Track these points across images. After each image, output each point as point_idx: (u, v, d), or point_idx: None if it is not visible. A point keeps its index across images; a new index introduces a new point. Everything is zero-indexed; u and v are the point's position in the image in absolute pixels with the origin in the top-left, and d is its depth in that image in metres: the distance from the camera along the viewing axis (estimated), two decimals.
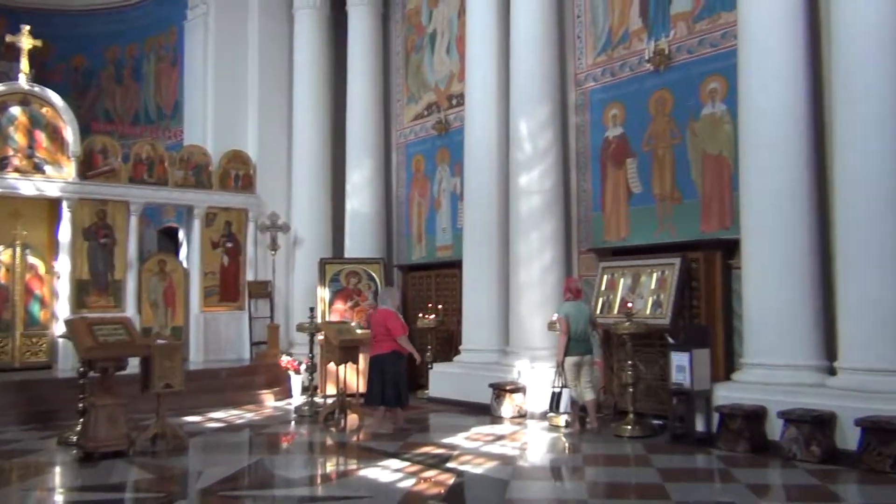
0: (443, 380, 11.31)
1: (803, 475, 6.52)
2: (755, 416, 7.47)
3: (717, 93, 9.16)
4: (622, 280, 9.62)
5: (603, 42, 10.62)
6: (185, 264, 13.91)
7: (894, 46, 6.99)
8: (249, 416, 10.57)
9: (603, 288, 9.81)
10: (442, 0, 13.41)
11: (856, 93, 7.13)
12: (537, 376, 9.94)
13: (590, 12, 10.80)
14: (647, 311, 9.08)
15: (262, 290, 13.94)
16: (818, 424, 6.93)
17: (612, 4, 10.52)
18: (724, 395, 7.93)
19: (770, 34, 7.87)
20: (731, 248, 8.73)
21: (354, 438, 8.95)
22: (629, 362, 8.70)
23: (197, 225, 13.79)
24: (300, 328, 11.10)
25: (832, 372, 7.44)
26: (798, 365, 7.63)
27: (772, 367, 7.71)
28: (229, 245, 14.08)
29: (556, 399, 8.86)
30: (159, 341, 8.72)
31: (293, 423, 10.11)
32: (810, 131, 7.83)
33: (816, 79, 7.96)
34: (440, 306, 12.30)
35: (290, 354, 12.95)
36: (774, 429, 7.35)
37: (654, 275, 9.23)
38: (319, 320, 11.42)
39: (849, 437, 6.83)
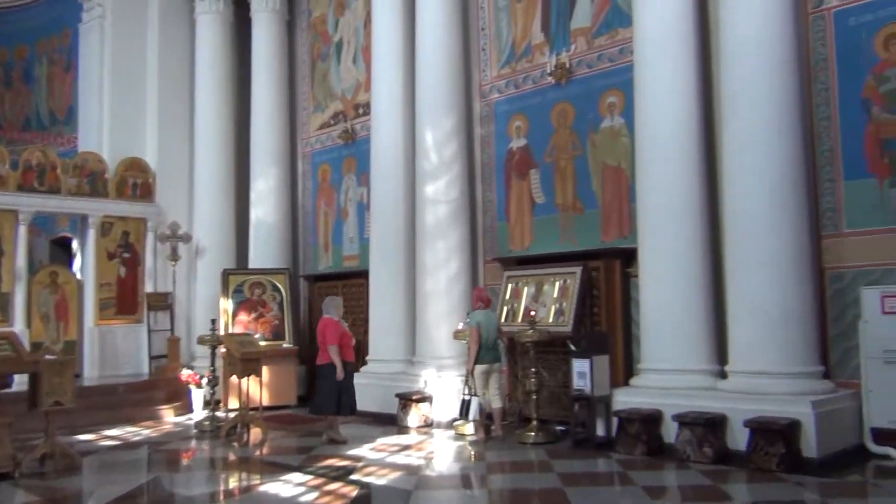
0: None
1: (696, 476, 6.75)
2: (652, 419, 7.70)
3: (615, 106, 9.45)
4: (526, 289, 9.77)
5: (507, 55, 10.80)
6: (79, 276, 13.34)
7: (779, 66, 7.37)
8: (147, 432, 10.20)
9: (507, 296, 9.94)
10: (348, 9, 13.36)
11: (742, 109, 7.49)
12: (444, 385, 9.99)
13: (493, 25, 10.97)
14: (550, 319, 9.26)
15: (162, 301, 13.49)
16: (710, 426, 7.20)
17: (514, 18, 10.72)
18: (623, 399, 8.14)
19: (663, 51, 8.17)
20: (629, 257, 8.99)
21: (257, 453, 8.76)
22: (532, 370, 8.84)
23: (92, 235, 13.24)
24: (201, 341, 10.80)
25: (724, 376, 7.74)
26: (692, 369, 7.92)
27: (667, 372, 7.97)
28: (127, 256, 13.58)
29: (465, 407, 8.91)
30: (48, 357, 8.31)
31: (194, 438, 9.81)
32: (702, 144, 8.16)
33: (707, 95, 8.31)
34: (347, 316, 12.17)
35: (191, 368, 12.57)
36: (670, 431, 7.59)
37: (557, 283, 9.42)
38: (222, 332, 11.13)
39: (739, 438, 7.12)
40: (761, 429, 6.80)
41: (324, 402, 8.91)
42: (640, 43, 8.42)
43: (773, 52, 7.38)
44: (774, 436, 6.70)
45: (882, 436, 7.15)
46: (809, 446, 6.78)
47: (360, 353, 11.78)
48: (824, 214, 7.77)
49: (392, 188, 11.11)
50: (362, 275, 11.99)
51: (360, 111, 12.90)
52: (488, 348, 8.88)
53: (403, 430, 9.60)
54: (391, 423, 9.96)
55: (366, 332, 11.52)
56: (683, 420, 7.35)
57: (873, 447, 7.16)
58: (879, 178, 7.45)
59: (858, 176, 7.57)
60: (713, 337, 8.00)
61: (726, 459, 7.14)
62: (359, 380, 11.05)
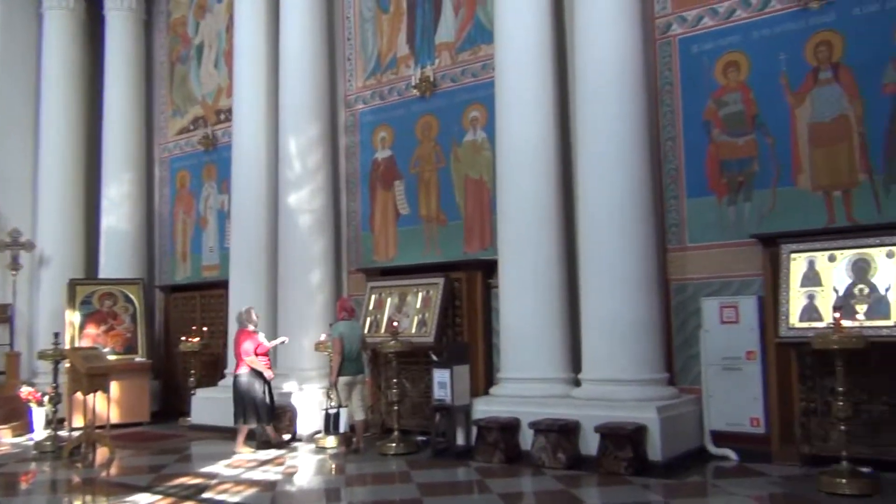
0: (207, 406, 10.78)
1: (550, 482, 6.94)
2: (509, 427, 7.86)
3: (477, 121, 9.64)
4: (389, 299, 9.77)
5: (372, 66, 10.80)
6: None
7: (628, 88, 7.75)
8: None
9: (371, 307, 9.90)
10: (209, 12, 12.97)
11: (594, 128, 7.82)
12: (306, 398, 9.82)
13: (359, 36, 10.95)
14: (413, 330, 9.30)
15: (1, 314, 12.54)
16: (564, 433, 7.43)
17: (380, 30, 10.74)
18: (483, 409, 8.27)
19: (523, 69, 8.41)
20: (491, 268, 9.16)
21: (103, 474, 8.27)
22: (395, 380, 8.83)
23: None
24: (42, 356, 10.10)
25: (579, 384, 8.02)
26: (549, 378, 8.15)
27: (525, 381, 8.16)
28: None
29: (332, 420, 8.81)
30: None
31: (33, 460, 9.15)
32: (560, 160, 8.45)
33: (565, 113, 8.62)
34: (205, 328, 11.78)
35: (31, 385, 11.73)
36: (527, 439, 7.77)
37: (420, 294, 9.47)
38: (67, 346, 10.46)
39: (590, 444, 7.38)
40: (611, 434, 7.08)
41: (241, 411, 9.00)
42: (501, 60, 8.63)
43: (623, 75, 7.75)
44: (623, 440, 7.00)
45: (720, 438, 7.61)
46: (655, 450, 7.11)
47: (218, 368, 11.45)
48: (669, 229, 8.22)
49: (254, 196, 10.85)
50: (222, 285, 11.60)
51: (222, 117, 12.53)
52: (351, 360, 8.79)
53: (262, 445, 9.33)
54: (250, 437, 9.65)
55: (225, 344, 11.15)
56: (539, 427, 7.54)
57: (713, 449, 7.61)
58: (719, 196, 7.96)
59: (700, 194, 8.06)
60: (569, 346, 8.27)
61: (579, 464, 7.38)
62: (217, 394, 10.74)
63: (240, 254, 10.91)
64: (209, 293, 12.25)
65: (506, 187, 8.51)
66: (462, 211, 9.73)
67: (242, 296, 10.69)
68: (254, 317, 9.20)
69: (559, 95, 8.57)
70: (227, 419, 10.16)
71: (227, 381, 10.75)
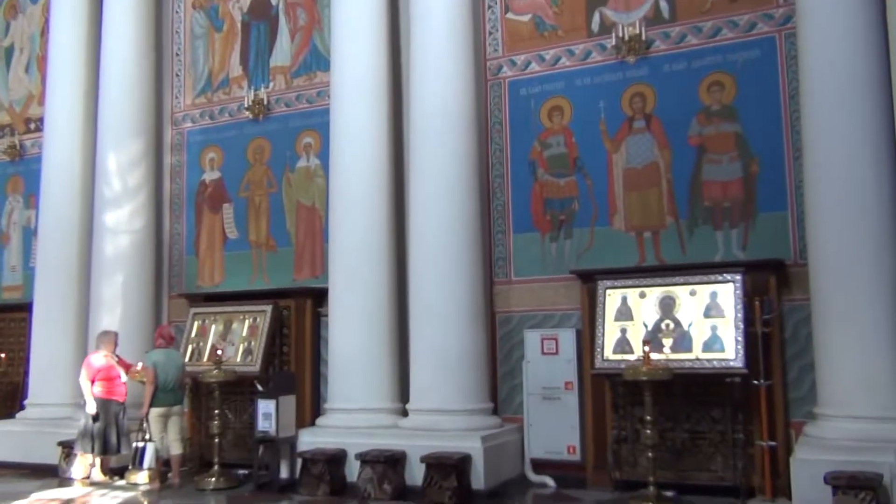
0: (4, 440, 9.82)
1: None
2: (335, 459, 7.76)
3: (311, 147, 9.55)
4: (214, 326, 9.40)
5: (203, 84, 10.43)
6: None
7: (459, 126, 7.98)
8: None
9: (193, 334, 9.48)
10: (22, 13, 12.01)
11: (425, 162, 8.00)
12: None
13: (189, 52, 10.55)
14: (238, 359, 8.98)
15: None
16: (390, 464, 7.43)
17: (212, 48, 10.41)
18: (309, 440, 8.12)
19: (359, 99, 8.46)
20: (321, 297, 9.05)
21: None
22: (216, 411, 8.48)
23: None
24: None
25: (406, 414, 8.07)
26: (377, 408, 8.15)
27: (353, 412, 8.11)
28: None
29: (139, 454, 8.27)
30: None
31: None
32: (393, 192, 8.54)
33: (399, 146, 8.74)
34: (3, 355, 10.78)
35: None
36: (353, 470, 7.70)
37: (247, 321, 9.19)
38: None
39: (417, 474, 7.41)
40: (436, 464, 7.17)
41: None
42: (337, 88, 8.63)
43: (454, 111, 7.98)
44: (447, 470, 7.10)
45: (540, 465, 7.91)
46: (479, 479, 7.28)
47: (16, 398, 10.51)
48: (496, 263, 8.51)
49: (66, 213, 10.12)
50: (25, 308, 10.67)
51: (32, 126, 11.61)
52: (167, 390, 8.33)
53: (66, 482, 8.62)
54: (52, 474, 8.91)
55: (26, 373, 10.25)
56: (365, 458, 7.50)
57: (532, 476, 7.90)
58: (542, 233, 8.35)
59: (525, 230, 8.42)
60: (398, 377, 8.32)
61: (405, 495, 7.40)
62: (14, 427, 9.87)
63: (46, 274, 10.11)
64: (9, 316, 11.23)
65: (338, 216, 8.47)
66: (293, 237, 9.57)
67: (47, 320, 9.94)
68: (105, 340, 8.60)
69: (394, 126, 8.68)
70: (25, 454, 9.37)
71: (27, 413, 9.91)
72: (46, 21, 11.22)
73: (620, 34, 8.03)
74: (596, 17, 8.31)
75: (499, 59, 8.74)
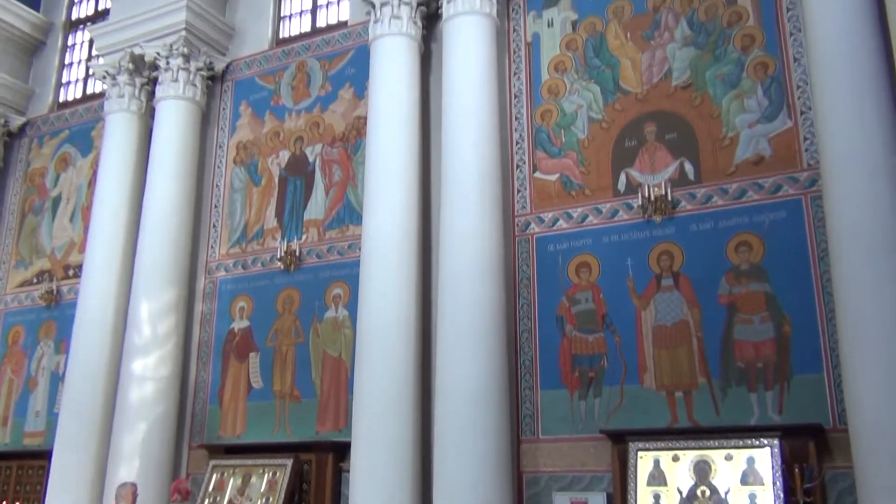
0: None
1: None
2: None
3: (340, 298, 9.63)
4: (232, 480, 9.15)
5: (238, 235, 10.71)
6: None
7: (487, 279, 8.07)
8: None
9: (211, 488, 9.21)
10: (72, 165, 12.63)
11: (453, 316, 8.03)
12: None
13: (227, 205, 10.91)
14: None
15: None
16: None
17: (249, 200, 10.76)
18: None
19: (389, 253, 8.60)
20: (343, 451, 8.83)
21: None
22: None
23: None
24: None
25: None
26: None
27: None
28: None
29: None
30: None
31: None
32: (420, 347, 8.51)
33: (427, 301, 8.79)
34: None
35: None
36: None
37: (266, 476, 8.94)
38: None
39: None
40: None
41: None
42: (368, 242, 8.80)
43: (482, 269, 8.08)
44: None
45: None
46: None
47: None
48: (523, 420, 8.29)
49: (95, 359, 10.19)
50: (45, 455, 10.52)
51: (70, 273, 11.91)
52: None
53: None
54: None
55: None
56: None
57: None
58: (570, 390, 8.17)
59: (553, 386, 8.25)
60: None
61: None
62: None
63: (69, 421, 10.04)
64: (28, 463, 11.05)
65: (364, 368, 8.41)
66: (318, 388, 9.47)
67: (65, 469, 9.79)
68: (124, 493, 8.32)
69: (422, 280, 8.77)
70: None
71: None
72: (94, 173, 11.76)
73: (646, 194, 8.18)
74: (622, 178, 8.51)
75: (527, 216, 8.90)
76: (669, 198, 8.11)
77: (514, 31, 9.52)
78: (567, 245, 8.62)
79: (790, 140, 7.83)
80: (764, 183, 7.83)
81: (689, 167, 8.22)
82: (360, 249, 9.13)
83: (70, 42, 13.76)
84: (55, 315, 11.88)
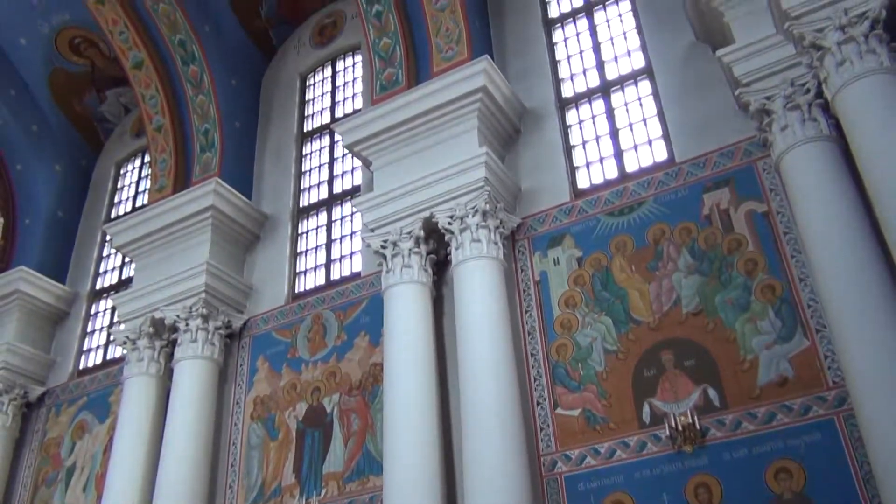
0: None
1: None
2: None
3: None
4: None
5: (255, 494, 10.32)
6: None
7: None
8: None
9: None
10: (88, 433, 12.49)
11: None
12: None
13: (244, 463, 10.63)
14: None
15: None
16: None
17: (267, 457, 10.49)
18: None
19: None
20: None
21: None
22: None
23: None
24: None
25: None
26: None
27: None
28: None
29: None
30: None
31: None
32: None
33: None
34: None
35: None
36: None
37: None
38: None
39: None
40: None
41: None
42: (390, 497, 8.44)
43: None
44: None
45: None
46: None
47: None
48: None
49: None
50: None
51: None
52: None
53: None
54: None
55: None
56: None
57: None
58: None
59: None
60: None
61: None
62: None
63: None
64: None
65: None
66: None
67: None
68: None
69: None
70: None
71: None
72: (110, 439, 11.58)
73: (673, 424, 7.93)
74: (646, 409, 8.31)
75: (552, 455, 8.59)
76: (698, 426, 7.85)
77: (522, 270, 9.79)
78: (598, 483, 8.23)
79: (811, 359, 7.73)
80: (792, 405, 7.61)
81: (713, 393, 8.04)
82: (381, 503, 8.74)
83: (93, 310, 14.16)
84: None
